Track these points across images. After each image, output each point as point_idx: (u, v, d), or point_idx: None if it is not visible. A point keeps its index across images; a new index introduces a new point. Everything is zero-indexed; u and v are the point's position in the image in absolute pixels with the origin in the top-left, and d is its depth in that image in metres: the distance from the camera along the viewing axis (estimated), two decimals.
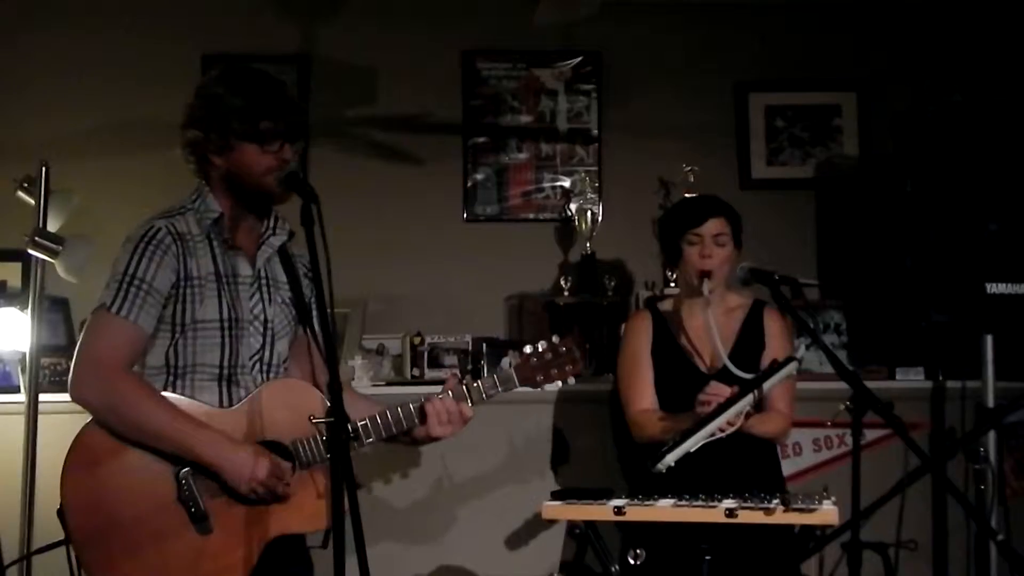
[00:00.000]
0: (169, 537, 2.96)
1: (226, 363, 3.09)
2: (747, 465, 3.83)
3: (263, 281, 3.19)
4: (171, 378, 3.08)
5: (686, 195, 4.69)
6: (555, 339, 3.30)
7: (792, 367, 3.63)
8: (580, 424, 4.71)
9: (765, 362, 3.86)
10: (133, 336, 3.03)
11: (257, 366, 3.14)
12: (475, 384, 3.21)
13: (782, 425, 3.95)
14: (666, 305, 4.16)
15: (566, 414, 4.71)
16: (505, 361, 4.64)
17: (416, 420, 3.18)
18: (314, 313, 3.20)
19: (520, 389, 3.28)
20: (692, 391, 3.72)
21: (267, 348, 3.17)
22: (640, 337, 4.08)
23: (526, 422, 4.69)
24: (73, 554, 3.00)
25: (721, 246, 3.93)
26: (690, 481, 3.57)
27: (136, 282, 3.01)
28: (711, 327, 3.83)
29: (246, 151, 3.07)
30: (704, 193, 4.28)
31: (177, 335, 3.06)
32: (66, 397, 4.48)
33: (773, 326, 4.04)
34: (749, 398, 3.57)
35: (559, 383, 3.32)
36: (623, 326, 4.37)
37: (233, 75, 3.16)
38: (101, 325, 3.04)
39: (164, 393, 3.05)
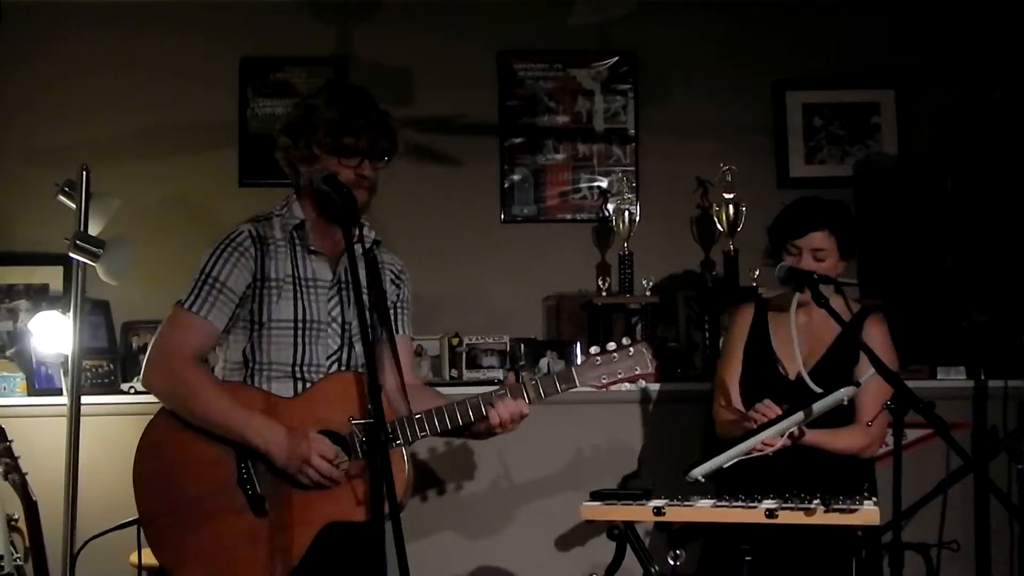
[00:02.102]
0: (227, 517, 3.14)
1: (299, 361, 3.23)
2: (837, 467, 3.80)
3: (343, 285, 3.31)
4: (249, 373, 3.24)
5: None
6: (625, 341, 3.29)
7: (845, 392, 3.53)
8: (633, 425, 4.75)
9: (860, 373, 3.78)
10: (204, 331, 3.22)
11: (335, 366, 3.28)
12: (532, 381, 3.24)
13: (860, 441, 3.85)
14: (772, 300, 4.05)
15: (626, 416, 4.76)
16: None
17: (472, 417, 3.22)
18: (394, 317, 3.40)
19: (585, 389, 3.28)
20: (774, 395, 3.71)
21: (345, 349, 3.30)
22: (737, 331, 4.05)
23: (588, 423, 4.75)
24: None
25: (820, 261, 3.80)
26: (778, 481, 3.57)
27: (211, 281, 3.21)
28: (793, 341, 3.75)
29: (326, 162, 3.21)
30: (807, 197, 4.03)
31: (254, 333, 3.24)
32: (108, 399, 4.62)
33: (873, 336, 3.90)
34: (796, 418, 3.54)
35: (626, 387, 3.28)
36: (733, 312, 4.19)
37: (334, 90, 3.36)
38: (175, 319, 3.24)
39: (240, 384, 3.22)
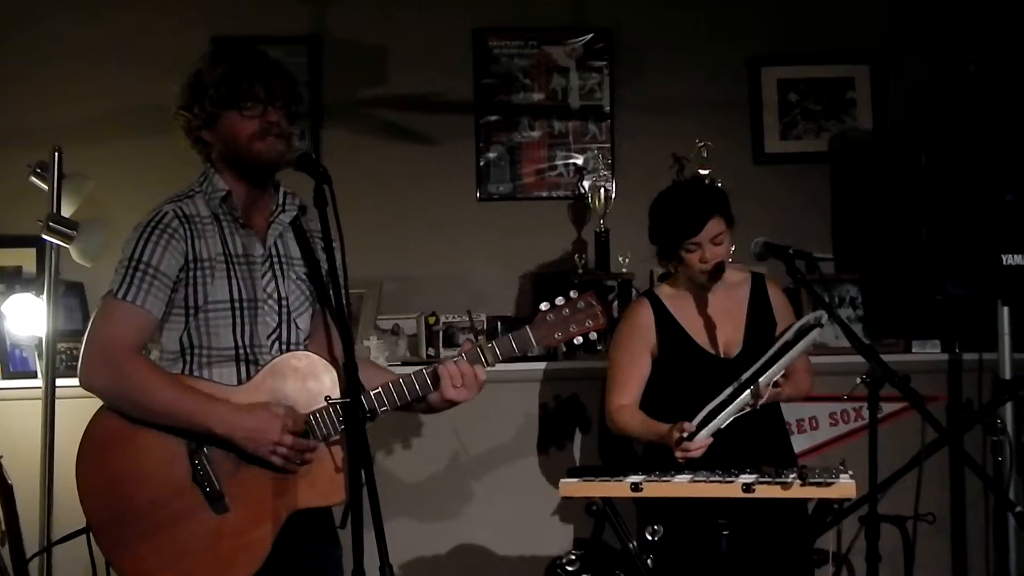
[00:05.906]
0: (185, 519, 2.97)
1: (241, 343, 3.08)
2: (758, 441, 3.81)
3: (275, 259, 3.17)
4: (188, 361, 3.08)
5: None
6: (573, 294, 3.16)
7: (815, 334, 3.58)
8: (592, 400, 4.74)
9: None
10: (141, 321, 3.03)
11: (276, 344, 3.13)
12: (489, 345, 3.11)
13: (808, 382, 3.98)
14: (665, 291, 4.02)
15: (580, 390, 4.75)
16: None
17: (430, 386, 3.10)
18: (330, 292, 3.13)
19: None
20: (707, 378, 3.72)
21: (284, 326, 3.15)
22: (638, 331, 3.95)
23: (542, 399, 4.74)
24: (92, 540, 3.01)
25: (719, 244, 3.80)
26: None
27: (142, 266, 3.02)
28: (714, 322, 3.81)
29: (228, 118, 3.07)
30: (676, 188, 4.03)
31: (190, 318, 3.06)
32: None
33: (779, 299, 4.00)
34: (779, 366, 3.56)
35: (580, 339, 3.16)
36: (627, 310, 4.16)
37: (213, 51, 3.23)
38: (108, 311, 3.05)
39: (184, 376, 3.05)
